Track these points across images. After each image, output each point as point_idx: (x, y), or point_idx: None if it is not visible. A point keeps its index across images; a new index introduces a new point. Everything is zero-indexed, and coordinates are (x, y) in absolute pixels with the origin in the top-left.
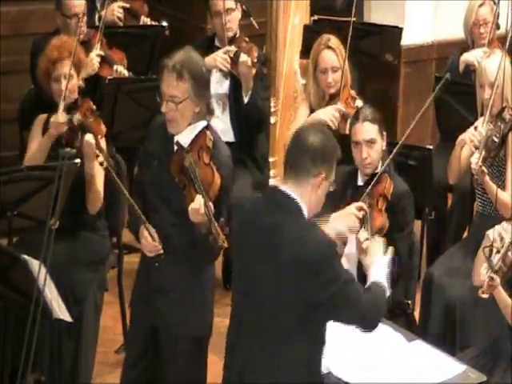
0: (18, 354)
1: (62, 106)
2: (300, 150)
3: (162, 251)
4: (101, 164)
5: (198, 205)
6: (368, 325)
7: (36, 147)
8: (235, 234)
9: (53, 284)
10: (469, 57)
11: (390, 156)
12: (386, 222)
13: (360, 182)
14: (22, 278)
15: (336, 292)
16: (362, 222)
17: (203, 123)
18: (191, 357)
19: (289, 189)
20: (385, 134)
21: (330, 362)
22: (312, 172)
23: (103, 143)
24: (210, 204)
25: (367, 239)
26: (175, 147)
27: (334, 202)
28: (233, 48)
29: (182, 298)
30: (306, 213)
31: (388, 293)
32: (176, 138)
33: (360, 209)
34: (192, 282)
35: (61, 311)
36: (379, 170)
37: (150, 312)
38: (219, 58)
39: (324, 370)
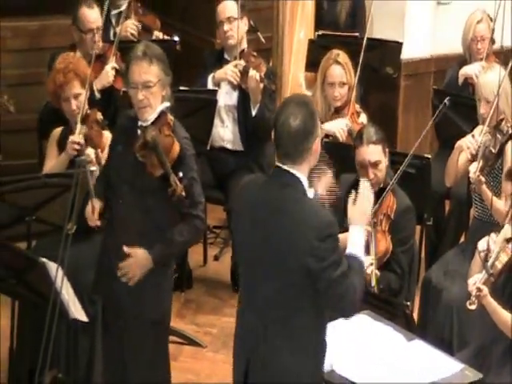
0: (36, 352)
1: (78, 126)
2: (288, 138)
3: (98, 223)
4: None
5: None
6: (347, 312)
7: (54, 164)
8: (240, 210)
9: (69, 285)
10: (468, 70)
11: (395, 176)
12: (389, 245)
13: None
14: (40, 279)
15: (335, 262)
16: (367, 243)
17: (165, 104)
18: (148, 339)
19: (287, 167)
20: (387, 150)
21: (333, 360)
22: (305, 150)
23: (105, 155)
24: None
25: (371, 264)
26: (139, 131)
27: (339, 210)
28: (242, 62)
29: (139, 282)
30: (305, 183)
31: (364, 265)
32: (139, 123)
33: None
34: (153, 273)
35: (77, 311)
36: (383, 185)
37: (112, 295)
38: (229, 71)
39: (327, 367)
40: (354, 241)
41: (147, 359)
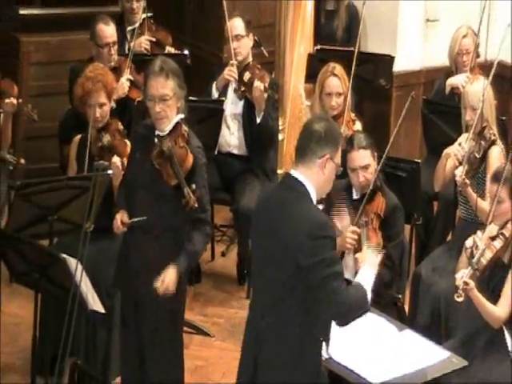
0: (57, 341)
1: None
2: (307, 137)
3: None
4: None
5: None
6: (339, 316)
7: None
8: (254, 216)
9: (88, 279)
10: (454, 80)
11: (375, 173)
12: (380, 241)
13: (355, 196)
14: (61, 274)
15: (324, 261)
16: (359, 241)
17: (180, 116)
18: (165, 330)
19: (298, 173)
20: (376, 154)
21: (331, 348)
22: (317, 153)
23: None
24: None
25: (354, 231)
26: (155, 140)
27: (331, 213)
28: (235, 62)
29: (157, 276)
30: (313, 196)
31: (368, 298)
32: (156, 132)
33: (353, 232)
34: (165, 264)
35: (95, 303)
36: (373, 187)
37: (132, 290)
38: (226, 70)
39: (325, 355)
40: (364, 278)
41: (164, 348)
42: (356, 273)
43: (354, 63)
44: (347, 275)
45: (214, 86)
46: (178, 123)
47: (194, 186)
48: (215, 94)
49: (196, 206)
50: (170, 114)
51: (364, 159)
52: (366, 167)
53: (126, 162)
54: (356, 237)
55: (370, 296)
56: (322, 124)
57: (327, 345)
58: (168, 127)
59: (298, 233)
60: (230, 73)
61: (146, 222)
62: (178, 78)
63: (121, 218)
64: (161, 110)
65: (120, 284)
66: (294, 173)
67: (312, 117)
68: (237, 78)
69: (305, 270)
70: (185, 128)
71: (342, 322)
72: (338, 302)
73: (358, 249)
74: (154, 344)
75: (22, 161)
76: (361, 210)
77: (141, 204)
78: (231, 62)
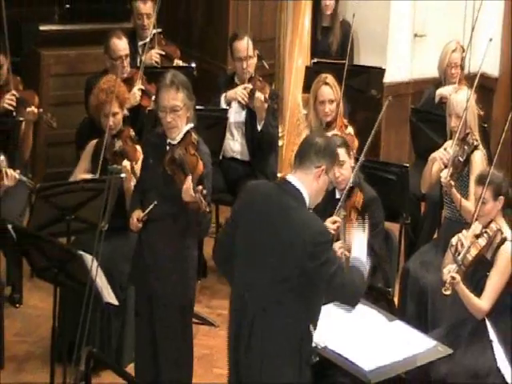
0: (74, 331)
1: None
2: (308, 146)
3: (140, 227)
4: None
5: (188, 185)
6: (350, 300)
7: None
8: (243, 209)
9: (103, 274)
10: (443, 91)
11: (354, 171)
12: None
13: (337, 196)
14: (78, 269)
15: (329, 263)
16: (337, 232)
17: (190, 125)
18: (177, 321)
19: (295, 179)
20: (352, 153)
21: (326, 338)
22: (314, 163)
23: (138, 167)
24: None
25: (341, 247)
26: (167, 147)
27: (319, 213)
28: (250, 85)
29: (169, 272)
30: (307, 201)
31: (367, 267)
32: (168, 140)
33: (334, 222)
34: (177, 261)
35: (109, 296)
36: (352, 185)
37: (145, 285)
38: (239, 92)
39: (321, 344)
40: (356, 246)
41: (177, 339)
42: None
43: (345, 75)
44: None
45: (223, 98)
46: (188, 132)
47: (205, 192)
48: (224, 106)
49: (208, 210)
50: (180, 124)
51: (339, 156)
52: (341, 164)
53: (135, 166)
54: (335, 226)
55: (367, 267)
56: (323, 139)
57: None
58: (179, 136)
59: (302, 239)
60: (243, 96)
61: (159, 222)
62: (187, 90)
63: (136, 216)
64: (172, 120)
65: (135, 280)
66: (292, 178)
67: (315, 131)
68: (247, 100)
69: (310, 271)
70: (194, 136)
71: (354, 303)
72: (346, 291)
73: (336, 238)
74: (166, 335)
75: (38, 185)
76: (341, 203)
77: (154, 206)
78: (245, 85)
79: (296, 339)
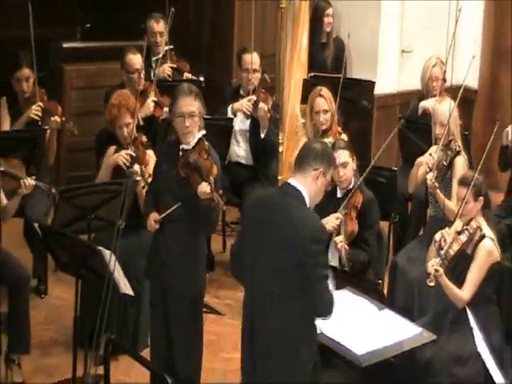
0: (94, 320)
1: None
2: (306, 152)
3: (157, 227)
4: (143, 187)
5: (204, 187)
6: (324, 309)
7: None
8: (248, 216)
9: (120, 267)
10: (425, 104)
11: (361, 178)
12: (355, 227)
13: (339, 195)
14: (97, 263)
15: (323, 262)
16: (339, 226)
17: (202, 132)
18: (189, 311)
19: (295, 181)
20: (354, 157)
21: (322, 325)
22: (313, 166)
23: (147, 170)
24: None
25: (341, 241)
26: (180, 153)
27: (321, 209)
28: (254, 97)
29: (182, 268)
30: (307, 200)
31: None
32: (181, 146)
33: (337, 218)
34: (189, 258)
35: (126, 288)
36: (352, 185)
37: (160, 279)
38: (244, 103)
39: (317, 330)
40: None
41: (189, 327)
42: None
43: (343, 87)
44: (333, 259)
45: (229, 108)
46: (200, 139)
47: (221, 192)
48: (230, 115)
49: (224, 208)
50: (194, 130)
51: (342, 157)
52: (344, 165)
53: (144, 169)
54: (338, 222)
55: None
56: (320, 144)
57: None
58: (193, 141)
59: (302, 235)
60: (248, 107)
61: (174, 222)
62: (201, 100)
63: (153, 217)
64: (189, 125)
65: (151, 276)
66: (292, 181)
67: (313, 139)
68: (251, 111)
69: (306, 266)
70: (206, 143)
71: (326, 313)
72: (324, 300)
73: (337, 233)
74: (179, 324)
75: (53, 190)
76: (345, 203)
77: (167, 207)
78: (249, 97)
79: (298, 330)
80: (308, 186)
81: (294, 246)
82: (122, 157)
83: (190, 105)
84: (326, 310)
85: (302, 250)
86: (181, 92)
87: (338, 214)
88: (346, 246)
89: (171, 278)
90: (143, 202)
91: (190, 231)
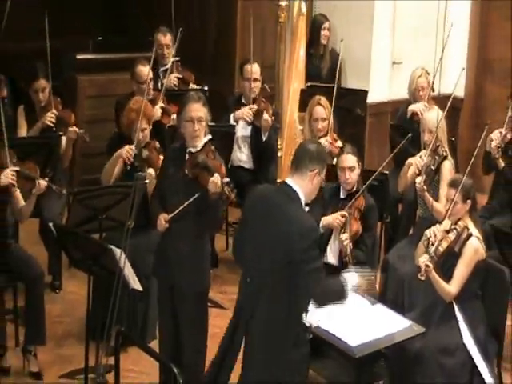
0: (105, 313)
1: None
2: (302, 154)
3: (166, 226)
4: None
5: (215, 178)
6: (319, 298)
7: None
8: (249, 209)
9: (129, 264)
10: (414, 107)
11: (366, 184)
12: (359, 228)
13: (342, 196)
14: (108, 261)
15: (310, 258)
16: (344, 225)
17: (208, 136)
18: (196, 305)
19: (293, 182)
20: (360, 163)
21: (318, 319)
22: (309, 167)
23: None
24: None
25: (347, 239)
26: (187, 156)
27: (324, 208)
28: (255, 106)
29: (189, 266)
30: (302, 199)
31: (345, 293)
32: (188, 149)
33: (343, 216)
34: (196, 256)
35: (135, 283)
36: (355, 188)
37: (168, 276)
38: (246, 112)
39: (314, 324)
40: (348, 278)
41: (196, 321)
42: (340, 253)
43: (338, 96)
44: (331, 256)
45: (231, 116)
46: (206, 142)
47: (232, 185)
48: (232, 122)
49: (235, 198)
50: (202, 134)
51: (350, 161)
52: (351, 168)
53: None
54: (343, 219)
55: (348, 293)
56: (314, 145)
57: (306, 315)
58: (200, 144)
59: (293, 232)
60: (249, 115)
61: (181, 221)
62: (207, 107)
63: (163, 217)
64: (197, 129)
65: (158, 273)
66: (290, 181)
67: (307, 139)
68: (252, 119)
69: (295, 263)
70: (212, 147)
71: (322, 303)
72: (316, 291)
73: (343, 230)
74: (187, 318)
75: (64, 191)
76: (350, 204)
77: (175, 208)
78: (251, 106)
79: (286, 319)
80: (304, 186)
81: (286, 242)
82: (126, 151)
83: (199, 110)
84: (319, 301)
85: (294, 247)
86: (190, 98)
87: (344, 212)
88: (351, 244)
89: (179, 276)
90: (150, 204)
91: (196, 231)
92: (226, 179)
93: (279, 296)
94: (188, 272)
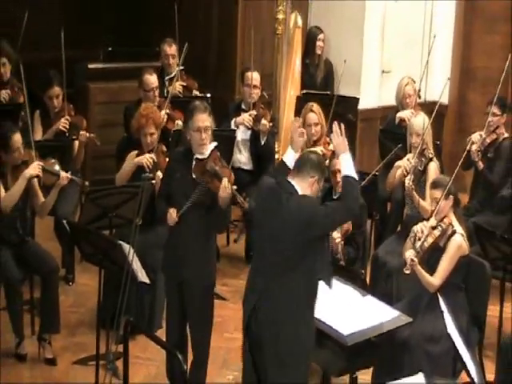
0: (115, 304)
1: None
2: (304, 160)
3: (176, 220)
4: None
5: (225, 183)
6: (351, 210)
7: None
8: (256, 201)
9: (137, 259)
10: (401, 114)
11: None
12: (350, 227)
13: (334, 196)
14: (118, 255)
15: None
16: None
17: (214, 143)
18: (203, 298)
19: (294, 182)
20: None
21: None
22: (310, 173)
23: None
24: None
25: (338, 237)
26: (194, 162)
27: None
28: (254, 112)
29: (197, 262)
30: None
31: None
32: (195, 156)
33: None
34: (204, 253)
35: (143, 277)
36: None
37: (177, 273)
38: (246, 118)
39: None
40: (345, 164)
41: (203, 312)
42: (332, 250)
43: (331, 103)
44: None
45: (232, 122)
46: (212, 150)
47: (244, 194)
48: (233, 127)
49: (246, 206)
50: (208, 142)
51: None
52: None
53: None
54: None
55: (355, 175)
56: (317, 156)
57: (329, 284)
58: (207, 152)
59: (303, 211)
60: (249, 121)
61: (188, 222)
62: (212, 115)
63: (173, 211)
64: (205, 138)
65: (167, 269)
66: (292, 180)
67: (309, 150)
68: (252, 124)
69: (312, 235)
70: (217, 153)
71: (355, 211)
72: (345, 208)
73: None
74: (195, 310)
75: (86, 183)
76: None
77: (184, 210)
78: (251, 112)
79: (300, 297)
80: (304, 188)
81: (293, 225)
82: (147, 159)
83: (206, 120)
84: (352, 210)
85: (303, 226)
86: (197, 109)
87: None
88: (342, 243)
89: (188, 272)
90: (156, 203)
91: (205, 230)
92: (240, 192)
93: (297, 272)
94: (197, 268)
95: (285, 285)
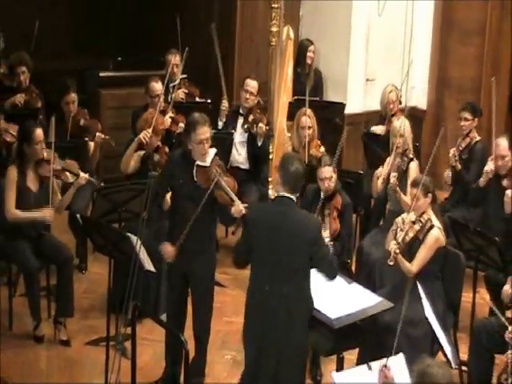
0: (123, 291)
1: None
2: (293, 175)
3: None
4: None
5: (238, 206)
6: (332, 274)
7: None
8: (253, 221)
9: (144, 249)
10: (376, 129)
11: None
12: (338, 226)
13: (322, 196)
14: (126, 246)
15: (322, 248)
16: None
17: (214, 150)
18: (207, 285)
19: (285, 193)
20: (336, 170)
21: None
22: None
23: None
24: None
25: (327, 237)
26: (195, 168)
27: (308, 206)
28: (251, 117)
29: (204, 254)
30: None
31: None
32: (196, 162)
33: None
34: (208, 246)
35: (149, 265)
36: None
37: (182, 264)
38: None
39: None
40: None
41: (205, 298)
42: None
43: (320, 108)
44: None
45: (220, 122)
46: (214, 156)
47: (245, 205)
48: (220, 124)
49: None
50: (208, 152)
51: (328, 172)
52: (329, 178)
53: None
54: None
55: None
56: (300, 166)
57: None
58: (209, 160)
59: (310, 230)
60: (224, 108)
61: (198, 220)
62: (210, 124)
63: (169, 248)
64: (207, 148)
65: (173, 262)
66: (282, 193)
67: (291, 155)
68: (227, 107)
69: (314, 252)
70: (219, 161)
71: (334, 276)
72: (331, 267)
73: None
74: (198, 297)
75: (102, 184)
76: (327, 206)
77: (187, 210)
78: (223, 101)
79: (307, 306)
80: (295, 194)
81: (301, 242)
82: (144, 134)
83: (207, 132)
84: (332, 274)
85: (310, 242)
86: (198, 123)
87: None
88: (331, 243)
89: (195, 262)
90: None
91: (209, 226)
92: (243, 200)
93: (299, 288)
94: (203, 259)
95: (293, 284)
